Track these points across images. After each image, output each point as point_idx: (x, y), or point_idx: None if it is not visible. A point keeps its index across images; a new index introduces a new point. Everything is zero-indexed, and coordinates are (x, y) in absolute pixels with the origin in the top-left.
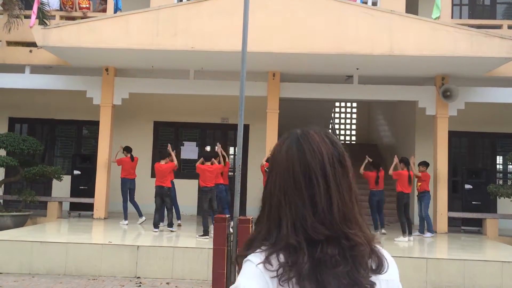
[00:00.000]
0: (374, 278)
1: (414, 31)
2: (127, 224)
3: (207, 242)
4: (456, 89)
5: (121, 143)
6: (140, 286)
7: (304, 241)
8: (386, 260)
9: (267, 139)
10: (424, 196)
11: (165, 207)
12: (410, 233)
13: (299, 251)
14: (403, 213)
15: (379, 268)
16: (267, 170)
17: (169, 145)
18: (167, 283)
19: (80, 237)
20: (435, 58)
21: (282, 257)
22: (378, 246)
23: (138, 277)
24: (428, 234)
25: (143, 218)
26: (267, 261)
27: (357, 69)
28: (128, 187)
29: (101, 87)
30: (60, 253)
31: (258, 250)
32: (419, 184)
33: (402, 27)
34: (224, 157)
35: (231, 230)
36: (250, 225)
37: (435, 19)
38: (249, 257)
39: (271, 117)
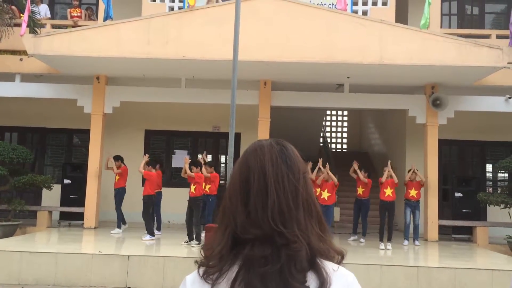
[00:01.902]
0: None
1: (404, 40)
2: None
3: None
4: (446, 98)
5: (111, 152)
6: None
7: (234, 242)
8: (329, 278)
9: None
10: (419, 204)
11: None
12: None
13: (227, 254)
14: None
15: (322, 286)
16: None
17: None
18: None
19: (70, 247)
20: (425, 68)
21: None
22: (326, 262)
23: (129, 287)
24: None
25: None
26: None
27: (348, 77)
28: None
29: (92, 96)
30: (49, 263)
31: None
32: (416, 192)
33: (392, 37)
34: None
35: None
36: None
37: (424, 27)
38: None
39: (263, 125)
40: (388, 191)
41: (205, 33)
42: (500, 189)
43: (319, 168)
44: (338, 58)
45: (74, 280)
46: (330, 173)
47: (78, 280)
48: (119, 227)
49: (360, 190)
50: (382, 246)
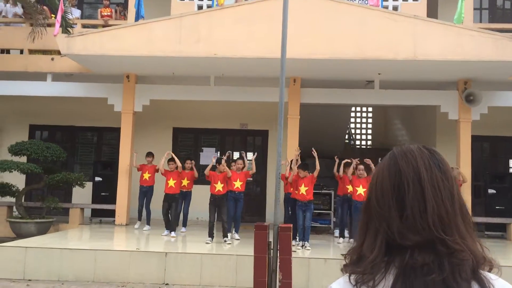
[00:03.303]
0: None
1: (438, 35)
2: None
3: (236, 249)
4: (480, 94)
5: (139, 150)
6: None
7: (389, 248)
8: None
9: (288, 145)
10: None
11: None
12: None
13: (376, 261)
14: None
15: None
16: (287, 178)
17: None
18: None
19: (108, 244)
20: (460, 63)
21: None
22: (485, 272)
23: (167, 284)
24: None
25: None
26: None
27: (379, 74)
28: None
29: (122, 94)
30: (89, 260)
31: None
32: None
33: (426, 32)
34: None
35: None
36: (291, 233)
37: (458, 21)
38: (333, 284)
39: (292, 123)
40: None
41: (235, 31)
42: None
43: (346, 164)
44: (370, 54)
45: (112, 277)
46: (372, 165)
47: (117, 276)
48: (148, 223)
49: None
50: None
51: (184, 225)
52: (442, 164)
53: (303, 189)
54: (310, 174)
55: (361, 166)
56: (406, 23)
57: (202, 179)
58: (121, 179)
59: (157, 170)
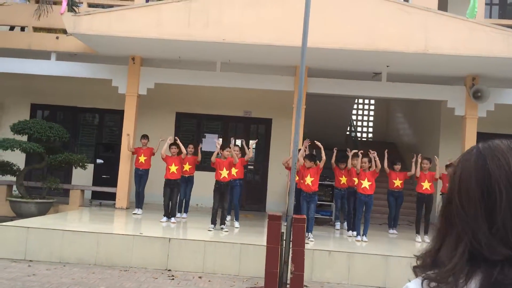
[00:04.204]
0: None
1: (450, 29)
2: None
3: (240, 238)
4: (487, 90)
5: (142, 133)
6: (173, 279)
7: (471, 258)
8: None
9: (292, 135)
10: None
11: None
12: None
13: (455, 271)
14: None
15: None
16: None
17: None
18: (199, 277)
19: (109, 227)
20: (471, 58)
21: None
22: None
23: (169, 270)
24: None
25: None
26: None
27: (388, 66)
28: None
29: (127, 76)
30: (91, 243)
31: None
32: None
33: (438, 25)
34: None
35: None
36: (305, 225)
37: (471, 16)
38: (409, 284)
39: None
40: (426, 184)
41: (245, 16)
42: None
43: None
44: (380, 46)
45: (114, 260)
46: (377, 159)
47: (119, 260)
48: (141, 207)
49: (398, 182)
50: (418, 238)
51: (186, 211)
52: None
53: (308, 180)
54: (316, 165)
55: (366, 159)
56: (419, 15)
57: (203, 165)
58: (123, 162)
59: (153, 154)
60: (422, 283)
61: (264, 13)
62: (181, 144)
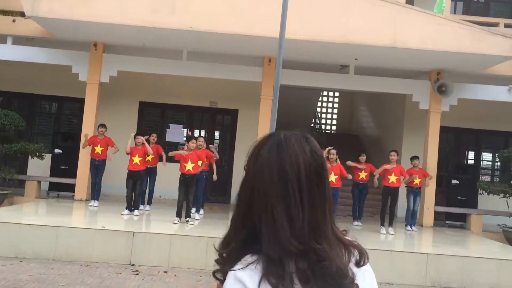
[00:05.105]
0: (357, 269)
1: (418, 24)
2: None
3: (207, 231)
4: (452, 85)
5: (103, 122)
6: (137, 274)
7: (283, 253)
8: (365, 250)
9: (259, 127)
10: (421, 191)
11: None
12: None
13: (282, 264)
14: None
15: (363, 260)
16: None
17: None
18: (165, 272)
19: (69, 221)
20: (438, 53)
21: (264, 270)
22: (351, 238)
23: (133, 265)
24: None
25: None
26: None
27: (356, 59)
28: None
29: (88, 63)
30: (50, 237)
31: (240, 264)
32: (420, 179)
33: (406, 20)
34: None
35: None
36: None
37: (439, 11)
38: (236, 273)
39: (265, 104)
40: (393, 178)
41: (214, 4)
42: (498, 178)
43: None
44: (351, 38)
45: (75, 255)
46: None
47: (80, 255)
48: (97, 199)
49: (363, 174)
50: (383, 230)
51: (149, 203)
52: (320, 166)
53: (332, 177)
54: None
55: (333, 151)
56: (388, 9)
57: (166, 157)
58: (82, 153)
59: (114, 148)
60: (268, 279)
61: (234, 2)
62: (147, 144)
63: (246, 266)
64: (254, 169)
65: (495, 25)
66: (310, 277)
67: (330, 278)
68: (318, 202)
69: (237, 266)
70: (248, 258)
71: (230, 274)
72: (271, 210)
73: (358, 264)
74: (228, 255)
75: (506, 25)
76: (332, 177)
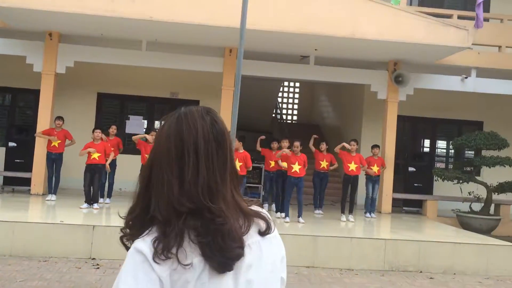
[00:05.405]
0: (261, 238)
1: (376, 15)
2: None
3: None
4: (408, 75)
5: (60, 115)
6: (98, 268)
7: (175, 213)
8: (271, 220)
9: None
10: (379, 179)
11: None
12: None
13: (170, 223)
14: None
15: (268, 228)
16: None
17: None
18: None
19: (26, 215)
20: (395, 44)
21: (157, 232)
22: (258, 208)
23: (93, 258)
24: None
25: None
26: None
27: (316, 50)
28: None
29: (43, 54)
30: (6, 232)
31: (142, 235)
32: (378, 168)
33: (365, 11)
34: None
35: None
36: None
37: (396, 2)
38: (135, 244)
39: (226, 94)
40: (353, 166)
41: None
42: (452, 165)
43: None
44: (311, 29)
45: (32, 251)
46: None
47: (38, 250)
48: (54, 193)
49: (324, 164)
50: (343, 218)
51: (109, 196)
52: (220, 134)
53: (296, 167)
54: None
55: (297, 143)
56: (347, 0)
57: (127, 148)
58: (38, 146)
59: (71, 140)
60: (152, 244)
61: None
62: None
63: (145, 235)
64: (155, 142)
65: (449, 16)
66: (202, 233)
67: (221, 237)
68: (217, 167)
69: (139, 240)
70: (149, 227)
71: (132, 247)
72: (161, 174)
73: (263, 233)
74: (133, 222)
75: (460, 17)
76: (296, 167)
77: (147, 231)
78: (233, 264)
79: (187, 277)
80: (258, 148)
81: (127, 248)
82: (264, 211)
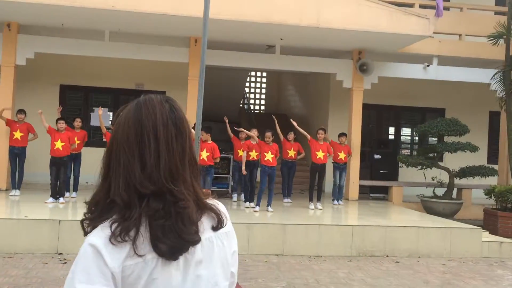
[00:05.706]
0: (214, 234)
1: (340, 4)
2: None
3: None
4: (372, 64)
5: (21, 108)
6: (65, 263)
7: (136, 196)
8: (224, 215)
9: (187, 108)
10: (346, 166)
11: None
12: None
13: (130, 207)
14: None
15: (220, 223)
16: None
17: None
18: None
19: None
20: (358, 33)
21: (116, 217)
22: (214, 202)
23: (60, 254)
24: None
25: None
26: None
27: (281, 39)
28: None
29: (2, 45)
30: None
31: (96, 230)
32: (345, 155)
33: (329, 0)
34: None
35: None
36: None
37: None
38: (89, 239)
39: (193, 85)
40: (320, 154)
41: None
42: (416, 152)
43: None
44: (275, 18)
45: None
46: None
47: (2, 247)
48: (18, 188)
49: (291, 153)
50: (311, 206)
51: (75, 190)
52: (179, 120)
53: (204, 154)
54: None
55: (268, 134)
56: None
57: (91, 141)
58: (0, 140)
59: (34, 135)
60: (110, 227)
61: None
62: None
63: (103, 225)
64: (114, 127)
65: (411, 5)
66: (162, 215)
67: (181, 220)
68: (177, 152)
69: (93, 233)
70: (109, 212)
71: (84, 241)
72: (122, 158)
73: (215, 228)
74: (95, 207)
75: (421, 6)
76: (269, 156)
77: (108, 220)
78: (185, 251)
79: (139, 272)
80: (230, 133)
81: (86, 233)
82: (220, 205)
